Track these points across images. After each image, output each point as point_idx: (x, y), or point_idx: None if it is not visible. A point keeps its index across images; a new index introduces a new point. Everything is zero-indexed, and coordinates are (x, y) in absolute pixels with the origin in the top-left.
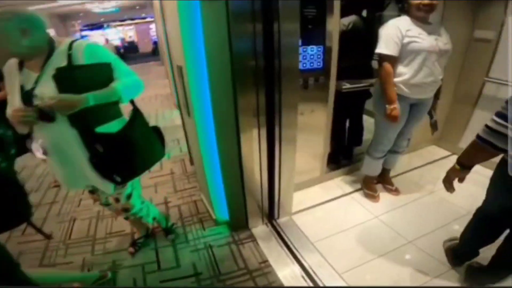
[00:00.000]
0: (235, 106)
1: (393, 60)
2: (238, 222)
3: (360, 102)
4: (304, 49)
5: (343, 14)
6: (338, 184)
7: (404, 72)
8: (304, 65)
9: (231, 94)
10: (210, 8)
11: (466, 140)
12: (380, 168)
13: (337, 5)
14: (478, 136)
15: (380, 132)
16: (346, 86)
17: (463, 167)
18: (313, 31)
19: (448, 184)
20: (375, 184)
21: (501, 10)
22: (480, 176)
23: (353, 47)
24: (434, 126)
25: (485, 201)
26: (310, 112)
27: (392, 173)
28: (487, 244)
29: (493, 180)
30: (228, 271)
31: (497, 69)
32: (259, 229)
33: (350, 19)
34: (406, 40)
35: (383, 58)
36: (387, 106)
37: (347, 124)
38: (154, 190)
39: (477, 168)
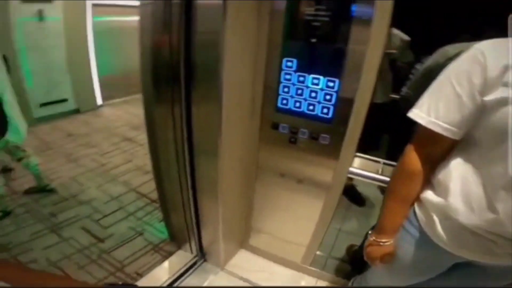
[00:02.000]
0: None
1: (438, 146)
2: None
3: None
4: (301, 78)
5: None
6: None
7: (453, 187)
8: (297, 104)
9: None
10: None
11: None
12: None
13: (385, 8)
14: None
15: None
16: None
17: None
18: (320, 51)
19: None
20: None
21: None
22: None
23: None
24: None
25: None
26: (296, 183)
27: None
28: None
29: None
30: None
31: None
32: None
33: (466, 46)
34: (491, 96)
35: (417, 133)
36: (369, 232)
37: None
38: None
39: None
